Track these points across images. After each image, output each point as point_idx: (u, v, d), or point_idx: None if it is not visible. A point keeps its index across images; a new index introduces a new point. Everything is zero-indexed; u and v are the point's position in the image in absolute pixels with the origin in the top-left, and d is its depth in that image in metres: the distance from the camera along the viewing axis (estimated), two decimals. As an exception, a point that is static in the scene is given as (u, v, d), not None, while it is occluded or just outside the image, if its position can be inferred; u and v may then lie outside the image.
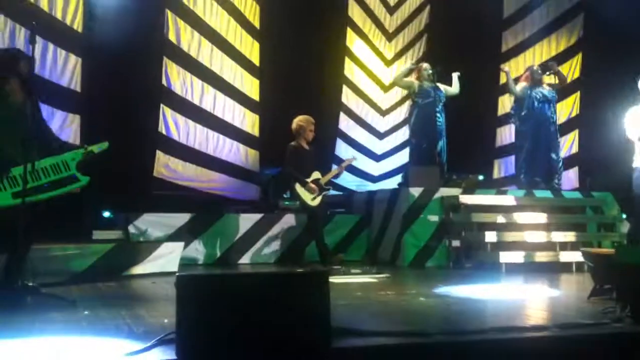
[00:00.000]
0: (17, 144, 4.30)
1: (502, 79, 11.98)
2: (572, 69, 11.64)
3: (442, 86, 9.08)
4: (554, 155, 9.17)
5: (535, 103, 9.13)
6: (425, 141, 8.98)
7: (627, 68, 10.30)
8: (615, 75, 10.37)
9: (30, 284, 4.51)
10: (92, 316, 4.01)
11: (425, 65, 9.10)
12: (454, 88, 9.20)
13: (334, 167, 8.39)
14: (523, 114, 9.19)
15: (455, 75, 9.21)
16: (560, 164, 9.31)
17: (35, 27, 4.61)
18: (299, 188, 7.58)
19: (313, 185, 7.56)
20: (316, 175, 7.66)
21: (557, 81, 9.35)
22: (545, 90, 9.26)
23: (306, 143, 7.74)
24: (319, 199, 7.59)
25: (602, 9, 10.77)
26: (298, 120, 7.76)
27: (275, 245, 8.37)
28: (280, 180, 9.96)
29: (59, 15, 8.31)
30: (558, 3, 12.01)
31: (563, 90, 10.23)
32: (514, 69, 11.73)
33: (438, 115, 8.96)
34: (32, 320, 3.82)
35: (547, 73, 9.39)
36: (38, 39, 4.71)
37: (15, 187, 4.32)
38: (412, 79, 9.08)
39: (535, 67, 9.40)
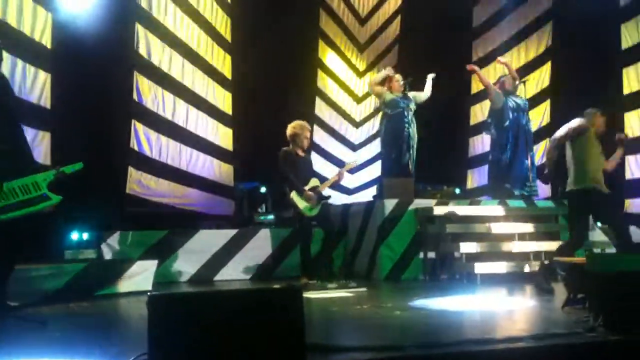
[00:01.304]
0: None
1: (475, 83, 12.11)
2: (541, 77, 11.77)
3: (411, 94, 9.04)
4: (528, 163, 9.25)
5: (511, 113, 9.21)
6: (395, 152, 8.96)
7: (596, 74, 10.57)
8: (584, 83, 10.57)
9: (13, 304, 4.58)
10: (63, 337, 3.94)
11: (397, 76, 9.11)
12: (425, 92, 9.15)
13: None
14: (505, 125, 9.24)
15: (429, 77, 9.18)
16: (533, 170, 9.36)
17: (1, 43, 4.56)
18: (295, 196, 7.15)
19: (311, 194, 7.15)
20: (314, 182, 7.26)
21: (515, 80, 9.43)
22: (519, 99, 9.36)
23: (301, 150, 7.41)
24: (317, 209, 7.17)
25: (570, 16, 10.94)
26: (292, 127, 7.42)
27: (251, 261, 8.31)
28: (264, 192, 9.90)
29: (27, 31, 8.21)
30: (527, 12, 12.15)
31: (533, 99, 10.33)
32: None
33: (407, 125, 8.95)
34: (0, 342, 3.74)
35: (517, 83, 9.48)
36: (6, 55, 4.65)
37: None
38: (384, 88, 9.08)
39: (507, 76, 9.46)
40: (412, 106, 8.98)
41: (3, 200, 4.46)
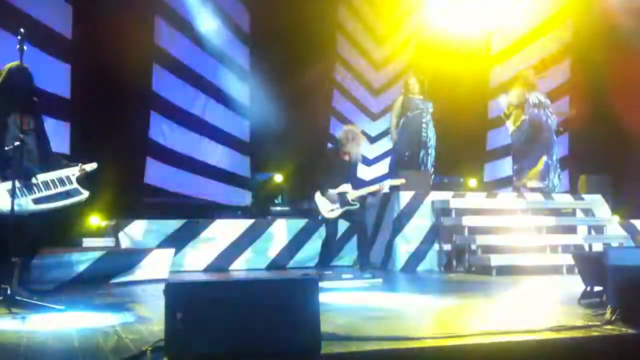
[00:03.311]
0: (32, 158, 4.78)
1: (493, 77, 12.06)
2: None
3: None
4: (546, 159, 9.18)
5: (531, 108, 9.15)
6: (408, 150, 9.05)
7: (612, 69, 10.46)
8: (602, 77, 10.47)
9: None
10: (81, 323, 3.98)
11: (410, 80, 9.16)
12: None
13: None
14: (522, 119, 9.19)
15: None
16: (555, 165, 9.30)
17: (23, 34, 4.61)
18: (318, 196, 7.00)
19: (333, 195, 6.92)
20: (345, 188, 6.99)
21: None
22: (540, 94, 9.27)
23: (346, 154, 7.07)
24: (337, 212, 6.95)
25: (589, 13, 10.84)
26: (342, 131, 7.22)
27: (267, 251, 8.34)
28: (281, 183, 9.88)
29: (47, 22, 8.27)
30: (546, 8, 12.01)
31: (553, 93, 10.26)
32: (503, 74, 11.78)
33: (424, 125, 9.00)
34: (19, 327, 3.80)
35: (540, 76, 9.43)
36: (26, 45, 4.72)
37: (34, 194, 4.68)
38: (400, 97, 9.14)
39: (528, 72, 9.37)
40: (431, 109, 9.02)
41: (42, 191, 4.71)
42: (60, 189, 4.83)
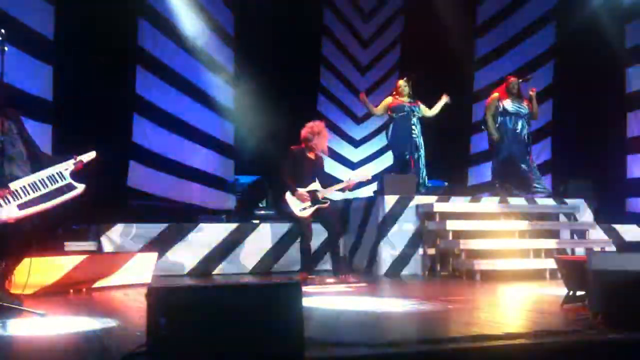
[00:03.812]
0: (13, 161, 4.64)
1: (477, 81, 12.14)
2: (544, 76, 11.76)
3: (421, 105, 9.19)
4: (524, 167, 9.23)
5: (502, 117, 9.18)
6: (399, 152, 9.16)
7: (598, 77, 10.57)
8: (586, 82, 10.57)
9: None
10: (62, 329, 3.94)
11: (400, 82, 9.19)
12: (433, 111, 9.28)
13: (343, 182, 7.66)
14: (496, 126, 9.24)
15: (443, 99, 9.26)
16: (534, 172, 9.35)
17: (4, 35, 4.55)
18: (288, 196, 7.07)
19: (304, 195, 7.04)
20: (314, 186, 7.14)
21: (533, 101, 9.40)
22: (517, 103, 9.25)
23: (312, 152, 7.24)
24: (309, 211, 7.05)
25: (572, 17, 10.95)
26: (305, 128, 7.25)
27: (251, 255, 8.31)
28: (265, 186, 9.85)
29: (30, 23, 8.19)
30: (531, 10, 12.10)
31: (537, 97, 10.31)
32: (489, 76, 11.83)
33: (413, 127, 9.05)
34: (-1, 334, 3.75)
35: (520, 80, 9.45)
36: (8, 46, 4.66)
37: (18, 200, 4.53)
38: (389, 98, 9.18)
39: (513, 81, 9.37)
40: (418, 112, 9.07)
41: (29, 194, 4.58)
42: (50, 187, 4.68)
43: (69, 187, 4.75)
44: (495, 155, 9.41)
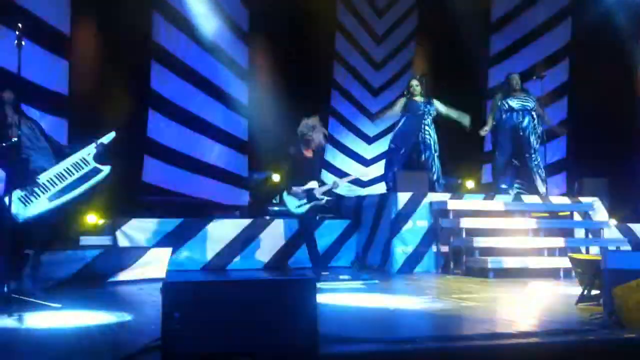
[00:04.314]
0: (39, 153, 4.83)
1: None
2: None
3: (436, 102, 9.10)
4: (530, 164, 9.10)
5: (505, 114, 9.08)
6: (404, 148, 9.05)
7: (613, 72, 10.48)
8: (602, 80, 10.48)
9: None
10: (78, 322, 3.97)
11: (413, 82, 9.14)
12: (447, 111, 9.13)
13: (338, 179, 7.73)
14: (493, 123, 9.19)
15: (464, 120, 9.06)
16: (540, 171, 9.18)
17: (21, 29, 4.59)
18: (285, 195, 7.21)
19: (299, 192, 7.13)
20: (312, 184, 7.18)
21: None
22: (522, 97, 9.14)
23: (308, 149, 7.23)
24: (305, 207, 7.14)
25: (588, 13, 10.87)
26: (301, 125, 7.22)
27: (265, 250, 8.32)
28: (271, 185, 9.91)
29: (45, 17, 8.24)
30: (546, 7, 12.02)
31: (551, 94, 10.24)
32: (504, 73, 11.75)
33: (427, 127, 8.98)
34: (16, 326, 3.79)
35: (534, 78, 9.38)
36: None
37: (48, 192, 4.69)
38: (402, 99, 9.13)
39: (512, 75, 9.29)
40: (433, 112, 9.00)
41: (56, 185, 4.71)
42: (76, 175, 4.80)
43: (95, 171, 4.87)
44: (494, 153, 9.38)
